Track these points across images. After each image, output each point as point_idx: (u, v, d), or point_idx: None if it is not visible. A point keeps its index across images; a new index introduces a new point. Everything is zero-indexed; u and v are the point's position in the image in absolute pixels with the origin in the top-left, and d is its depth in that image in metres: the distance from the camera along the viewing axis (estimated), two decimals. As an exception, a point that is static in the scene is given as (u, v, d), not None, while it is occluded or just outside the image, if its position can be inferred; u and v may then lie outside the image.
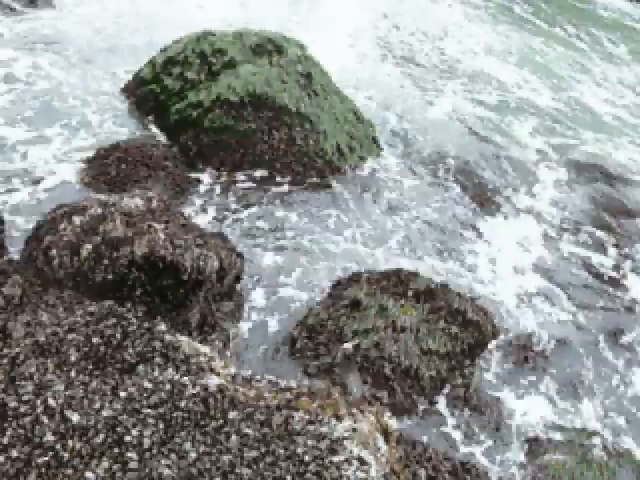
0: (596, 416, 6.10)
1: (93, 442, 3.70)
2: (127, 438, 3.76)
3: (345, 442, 3.92)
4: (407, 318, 6.04)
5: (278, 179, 8.34)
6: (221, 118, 8.44)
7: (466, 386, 6.01)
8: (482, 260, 7.76)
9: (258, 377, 4.55)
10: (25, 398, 3.87)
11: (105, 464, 3.61)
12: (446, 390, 5.95)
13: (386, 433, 4.36)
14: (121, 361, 4.22)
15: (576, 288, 7.71)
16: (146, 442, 3.75)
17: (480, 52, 14.66)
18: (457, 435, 5.62)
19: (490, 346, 6.45)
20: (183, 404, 4.01)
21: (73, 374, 4.07)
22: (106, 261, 5.41)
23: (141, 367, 4.21)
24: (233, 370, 4.58)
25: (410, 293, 6.27)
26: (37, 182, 7.29)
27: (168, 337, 4.49)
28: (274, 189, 8.20)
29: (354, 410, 4.26)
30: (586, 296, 7.63)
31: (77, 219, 5.66)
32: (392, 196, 8.58)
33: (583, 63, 15.46)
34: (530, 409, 6.04)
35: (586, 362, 6.67)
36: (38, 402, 3.85)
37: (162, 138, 8.58)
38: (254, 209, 7.77)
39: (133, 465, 3.63)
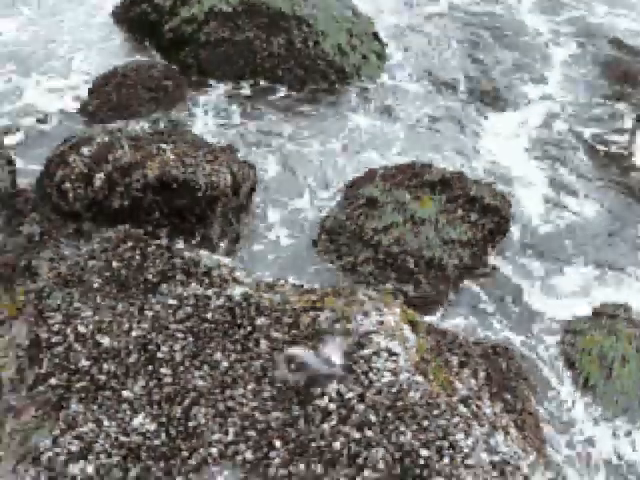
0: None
1: (126, 362, 3.78)
2: (159, 355, 3.83)
3: (372, 335, 3.97)
4: (425, 210, 6.00)
5: (281, 87, 8.17)
6: (217, 31, 8.22)
7: (490, 272, 6.03)
8: (486, 152, 7.59)
9: (282, 282, 4.58)
10: (55, 328, 3.94)
11: (141, 382, 3.70)
12: (471, 278, 5.96)
13: (413, 324, 4.40)
14: (143, 282, 4.26)
15: (589, 167, 7.54)
16: (178, 356, 3.82)
17: None
18: (486, 321, 5.65)
19: (513, 229, 6.43)
20: (209, 316, 4.06)
21: (99, 299, 4.13)
22: (120, 188, 5.42)
23: (164, 285, 4.24)
24: (256, 278, 4.63)
25: (426, 185, 6.21)
26: (40, 119, 7.22)
27: (187, 253, 4.51)
28: (277, 97, 8.05)
29: (379, 305, 4.29)
30: (599, 173, 7.45)
31: (86, 150, 5.64)
32: (397, 95, 8.36)
33: None
34: (556, 289, 6.04)
35: (608, 241, 6.60)
36: (68, 330, 3.93)
37: (159, 58, 8.40)
38: (259, 120, 7.65)
39: (168, 380, 3.72)
